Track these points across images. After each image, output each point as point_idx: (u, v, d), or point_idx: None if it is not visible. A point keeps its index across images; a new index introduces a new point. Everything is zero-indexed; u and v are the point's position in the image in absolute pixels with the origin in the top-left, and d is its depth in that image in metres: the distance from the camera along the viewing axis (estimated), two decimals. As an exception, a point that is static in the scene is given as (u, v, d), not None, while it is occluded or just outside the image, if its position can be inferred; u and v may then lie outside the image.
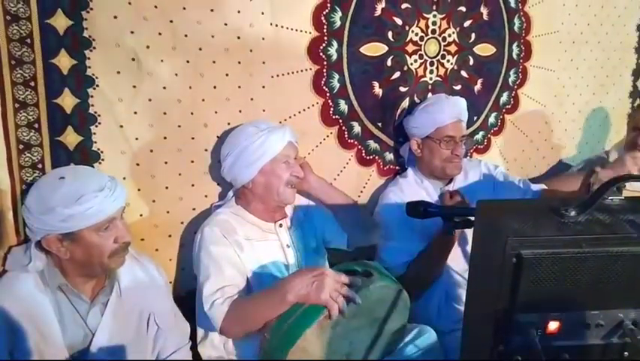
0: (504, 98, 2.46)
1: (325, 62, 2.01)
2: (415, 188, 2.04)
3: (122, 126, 1.70)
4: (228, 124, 1.88)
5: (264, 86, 1.91)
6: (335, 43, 2.01)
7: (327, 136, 2.08)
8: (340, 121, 2.11)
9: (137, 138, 1.73)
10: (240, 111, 1.89)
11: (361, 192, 2.19)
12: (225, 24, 1.81)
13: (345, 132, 2.12)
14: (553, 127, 2.62)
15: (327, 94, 2.05)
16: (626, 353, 1.03)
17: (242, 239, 1.70)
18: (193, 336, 1.71)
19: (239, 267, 1.66)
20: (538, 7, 2.42)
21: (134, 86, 1.71)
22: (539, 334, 1.01)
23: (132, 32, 1.68)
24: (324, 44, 1.99)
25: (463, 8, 2.24)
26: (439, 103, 2.06)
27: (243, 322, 1.53)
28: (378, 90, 2.14)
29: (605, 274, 1.00)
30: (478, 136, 2.44)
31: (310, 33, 1.97)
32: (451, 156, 1.99)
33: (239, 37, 1.84)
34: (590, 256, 0.98)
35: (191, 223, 1.87)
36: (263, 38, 1.88)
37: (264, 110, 1.93)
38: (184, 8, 1.73)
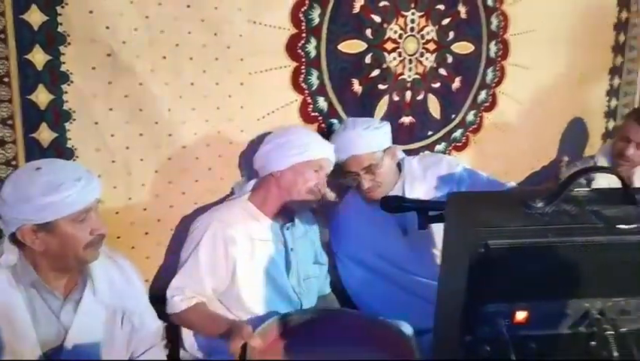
0: (482, 96, 2.48)
1: (304, 59, 2.02)
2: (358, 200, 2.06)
3: (97, 123, 1.70)
4: (206, 121, 1.88)
5: (242, 83, 1.92)
6: (313, 41, 2.02)
7: (307, 133, 2.09)
8: (320, 118, 2.11)
9: (112, 135, 1.73)
10: (218, 108, 1.89)
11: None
12: (202, 20, 1.81)
13: (325, 129, 2.12)
14: (532, 125, 2.64)
15: (306, 91, 2.06)
16: (592, 342, 1.04)
17: (244, 238, 1.73)
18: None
19: (218, 277, 1.72)
20: (516, 6, 2.44)
21: (110, 82, 1.70)
22: (507, 323, 1.02)
23: (107, 28, 1.67)
24: (302, 41, 2.00)
25: (441, 6, 2.25)
26: (342, 134, 1.95)
27: (192, 325, 1.75)
28: (357, 87, 2.16)
29: (572, 264, 1.01)
30: (457, 134, 2.46)
31: (289, 30, 1.97)
32: (360, 190, 1.96)
33: (216, 34, 1.84)
34: (556, 246, 0.99)
35: (168, 221, 1.86)
36: (240, 35, 1.88)
37: (242, 107, 1.94)
38: (160, 4, 1.73)
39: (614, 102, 2.90)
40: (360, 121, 1.99)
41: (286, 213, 1.83)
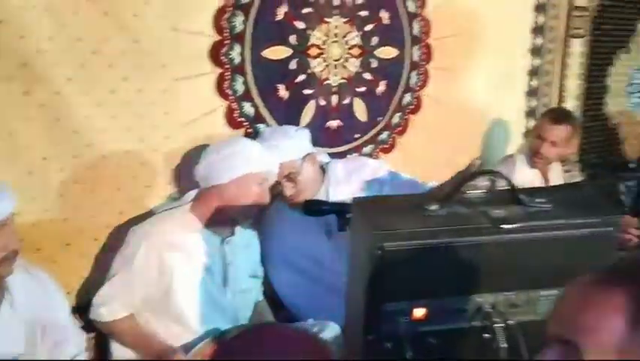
0: (407, 99, 2.56)
1: (228, 66, 2.04)
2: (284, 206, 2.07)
3: (11, 134, 1.66)
4: (128, 129, 1.87)
5: (165, 90, 1.91)
6: (237, 47, 2.04)
7: (233, 139, 2.10)
8: (246, 123, 2.13)
9: (28, 146, 1.69)
10: (141, 116, 1.88)
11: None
12: (121, 27, 1.80)
13: (253, 134, 2.15)
14: (456, 126, 2.74)
15: (232, 97, 2.07)
16: (486, 334, 1.11)
17: (182, 251, 1.72)
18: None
19: (151, 289, 1.70)
20: (437, 11, 2.54)
21: (26, 93, 1.67)
22: (406, 321, 1.08)
23: (22, 37, 1.64)
24: (226, 48, 2.02)
25: (364, 12, 2.32)
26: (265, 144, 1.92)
27: (120, 337, 1.75)
28: (283, 93, 2.19)
29: (464, 263, 1.08)
30: (383, 136, 2.53)
31: (211, 36, 1.99)
32: (294, 193, 1.97)
33: (136, 41, 1.83)
34: (448, 246, 1.05)
35: (90, 231, 1.84)
36: (162, 42, 1.88)
37: (166, 114, 1.93)
38: (76, 12, 1.71)
39: (533, 102, 3.06)
40: (277, 131, 2.03)
41: (227, 226, 1.82)
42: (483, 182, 1.17)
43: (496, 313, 1.10)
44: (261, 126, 2.16)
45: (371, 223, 1.07)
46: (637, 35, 3.47)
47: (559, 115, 2.48)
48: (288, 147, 1.95)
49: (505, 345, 1.05)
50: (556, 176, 2.65)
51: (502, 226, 1.05)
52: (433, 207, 1.10)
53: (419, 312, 1.09)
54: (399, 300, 1.07)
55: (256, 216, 1.98)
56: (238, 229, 1.87)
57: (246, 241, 1.92)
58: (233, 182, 1.73)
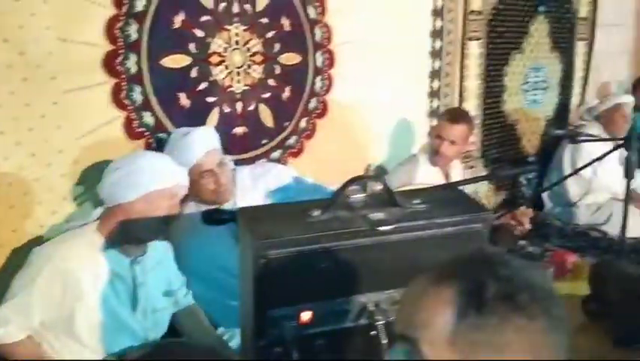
0: (313, 103, 2.61)
1: (124, 75, 2.00)
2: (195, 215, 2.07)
3: None
4: (18, 144, 1.79)
5: (56, 103, 1.85)
6: (133, 56, 2.00)
7: (134, 150, 2.06)
8: (147, 134, 2.10)
9: None
10: (31, 130, 1.82)
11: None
12: (5, 40, 1.73)
13: (154, 144, 2.12)
14: (363, 130, 2.83)
15: (130, 107, 2.04)
16: (372, 332, 1.16)
17: (88, 274, 1.64)
18: None
19: (52, 313, 1.63)
20: (338, 18, 2.60)
21: None
22: (293, 325, 1.11)
23: None
24: (121, 57, 1.98)
25: (265, 20, 2.34)
26: (182, 142, 1.97)
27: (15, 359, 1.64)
28: (185, 101, 2.17)
29: (346, 265, 1.13)
30: (291, 141, 2.57)
31: (104, 46, 1.94)
32: (217, 186, 1.98)
33: (22, 54, 1.76)
34: (329, 250, 1.09)
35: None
36: (50, 53, 1.82)
37: (58, 127, 1.87)
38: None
39: (435, 103, 3.19)
40: (186, 129, 2.02)
41: (137, 244, 1.75)
42: (365, 186, 1.22)
43: (379, 311, 1.15)
44: (163, 136, 2.13)
45: (255, 232, 1.09)
46: (530, 36, 3.70)
47: (455, 115, 2.61)
48: (210, 134, 1.95)
49: (386, 341, 1.10)
50: (458, 173, 2.78)
51: (379, 228, 1.11)
52: (316, 213, 1.14)
53: (305, 315, 1.12)
54: (285, 305, 1.10)
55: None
56: (150, 246, 1.80)
57: (158, 257, 1.85)
58: (140, 199, 1.66)
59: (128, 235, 1.70)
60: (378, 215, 1.14)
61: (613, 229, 3.14)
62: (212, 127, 2.10)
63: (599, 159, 2.30)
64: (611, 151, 2.24)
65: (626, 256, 2.82)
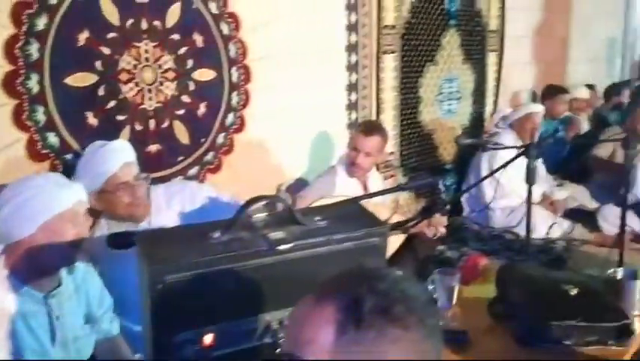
0: (230, 119, 2.60)
1: (26, 96, 1.92)
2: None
3: None
4: None
5: (-51, 126, 1.76)
6: (35, 76, 1.93)
7: (38, 172, 1.98)
8: (52, 155, 2.02)
9: None
10: None
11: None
12: None
13: (60, 166, 2.04)
14: (282, 144, 2.85)
15: (33, 128, 1.96)
16: (278, 350, 1.17)
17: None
18: None
19: None
20: (252, 34, 2.62)
21: None
22: (196, 349, 1.11)
23: None
24: (21, 77, 1.90)
25: (176, 36, 2.32)
26: (99, 153, 1.94)
27: None
28: (92, 120, 2.11)
29: (248, 285, 1.13)
30: (209, 157, 2.55)
31: (3, 67, 1.86)
32: (132, 199, 1.94)
33: None
34: (229, 271, 1.10)
35: None
36: (-59, 75, 1.73)
37: (-47, 152, 1.78)
38: None
39: (354, 115, 3.26)
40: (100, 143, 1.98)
41: (49, 276, 1.62)
42: (266, 205, 1.23)
43: (283, 329, 1.16)
44: (69, 157, 2.06)
45: (151, 257, 1.08)
46: (443, 49, 3.86)
47: (369, 127, 2.68)
48: (126, 147, 1.93)
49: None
50: (376, 183, 2.85)
51: (278, 247, 1.12)
52: (216, 234, 1.14)
53: (208, 338, 1.12)
54: (187, 329, 1.09)
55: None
56: (65, 275, 1.68)
57: (77, 282, 1.74)
58: (40, 230, 1.53)
59: (35, 268, 1.58)
60: (278, 234, 1.16)
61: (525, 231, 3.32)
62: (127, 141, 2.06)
63: (503, 166, 2.43)
64: (514, 159, 2.37)
65: (534, 257, 3.00)
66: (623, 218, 2.50)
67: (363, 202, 2.08)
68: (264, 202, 1.22)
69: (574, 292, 1.80)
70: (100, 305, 1.83)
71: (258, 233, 1.17)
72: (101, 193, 1.91)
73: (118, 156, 1.93)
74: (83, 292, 1.78)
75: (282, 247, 1.12)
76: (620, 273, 2.02)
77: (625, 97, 5.56)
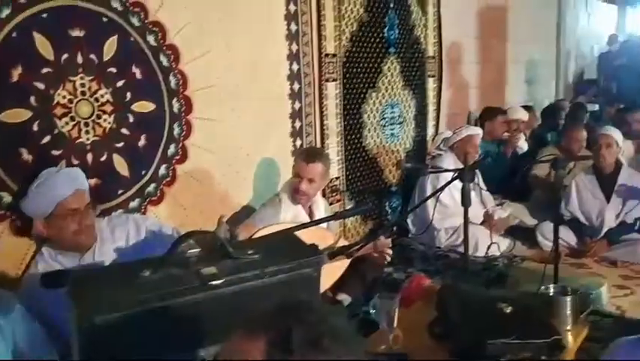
0: (172, 150, 2.59)
1: (-45, 134, 1.87)
2: (50, 265, 1.96)
3: None
4: None
5: None
6: (-36, 114, 1.89)
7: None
8: (-14, 193, 1.97)
9: None
10: None
11: (21, 264, 2.07)
12: None
13: (-8, 205, 1.99)
14: (226, 172, 2.85)
15: (-38, 167, 1.91)
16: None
17: None
18: None
19: None
20: (192, 65, 2.63)
21: None
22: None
23: None
24: (-50, 115, 1.85)
25: (113, 69, 2.31)
26: (52, 179, 1.94)
27: None
28: (27, 156, 2.07)
29: (181, 322, 1.13)
30: (150, 189, 2.52)
31: None
32: (79, 227, 1.94)
33: None
34: (159, 310, 1.10)
35: None
36: None
37: None
38: None
39: (298, 142, 3.31)
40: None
41: None
42: (199, 241, 1.24)
43: (218, 364, 1.16)
44: (3, 195, 2.01)
45: (81, 298, 1.07)
46: (384, 75, 3.97)
47: (310, 154, 2.72)
48: (80, 175, 1.97)
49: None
50: (321, 209, 2.88)
51: (210, 283, 1.13)
52: (147, 272, 1.14)
53: (141, 378, 1.11)
54: (120, 370, 1.09)
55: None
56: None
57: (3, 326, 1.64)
58: None
59: None
60: (210, 269, 1.17)
61: (469, 250, 3.42)
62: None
63: (441, 189, 2.51)
64: (451, 181, 2.45)
65: (477, 275, 3.10)
66: (555, 235, 2.62)
67: (310, 228, 2.13)
68: (196, 238, 1.24)
69: (508, 310, 1.87)
70: (31, 350, 1.74)
71: (190, 269, 1.18)
72: (50, 218, 1.92)
73: (71, 182, 1.95)
74: (5, 338, 1.70)
75: (214, 283, 1.13)
76: (551, 289, 2.11)
77: (561, 118, 5.85)
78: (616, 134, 3.73)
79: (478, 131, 4.04)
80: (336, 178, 3.60)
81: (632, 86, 7.58)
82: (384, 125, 4.03)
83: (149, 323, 1.09)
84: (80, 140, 2.23)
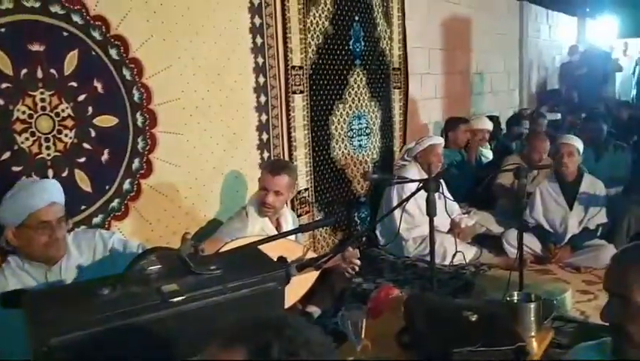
0: (136, 164, 2.56)
1: None
2: (17, 275, 1.94)
3: None
4: None
5: None
6: None
7: None
8: (-58, 212, 1.91)
9: None
10: None
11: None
12: None
13: (-51, 224, 1.93)
14: (192, 186, 2.83)
15: None
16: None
17: None
18: None
19: None
20: (156, 78, 2.60)
21: None
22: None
23: None
24: None
25: (74, 83, 2.27)
26: (27, 188, 1.96)
27: None
28: (-15, 173, 2.02)
29: (142, 340, 1.12)
30: (114, 204, 2.48)
31: None
32: (50, 240, 1.93)
33: None
34: (119, 328, 1.08)
35: None
36: None
37: None
38: None
39: (266, 154, 3.30)
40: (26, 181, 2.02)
41: None
42: (160, 257, 1.23)
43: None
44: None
45: (37, 319, 1.05)
46: (350, 87, 4.00)
47: (276, 167, 2.72)
48: (57, 187, 1.96)
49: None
50: (288, 221, 2.88)
51: (171, 300, 1.12)
52: (105, 291, 1.12)
53: (101, 399, 1.08)
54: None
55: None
56: None
57: None
58: None
59: None
60: (171, 286, 1.15)
61: (437, 259, 3.46)
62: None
63: (407, 199, 2.53)
64: (415, 192, 2.47)
65: (444, 284, 3.13)
66: (520, 242, 2.66)
67: (278, 241, 2.12)
68: (157, 254, 1.22)
69: (474, 318, 1.89)
70: None
71: (151, 286, 1.16)
72: (21, 228, 1.91)
73: (46, 194, 1.95)
74: None
75: (175, 300, 1.11)
76: (516, 296, 2.15)
77: (524, 127, 5.98)
78: (577, 142, 3.83)
79: (440, 140, 4.09)
80: (305, 190, 3.61)
81: (593, 94, 7.81)
82: (352, 137, 4.06)
83: (109, 343, 1.07)
84: (41, 155, 2.18)
